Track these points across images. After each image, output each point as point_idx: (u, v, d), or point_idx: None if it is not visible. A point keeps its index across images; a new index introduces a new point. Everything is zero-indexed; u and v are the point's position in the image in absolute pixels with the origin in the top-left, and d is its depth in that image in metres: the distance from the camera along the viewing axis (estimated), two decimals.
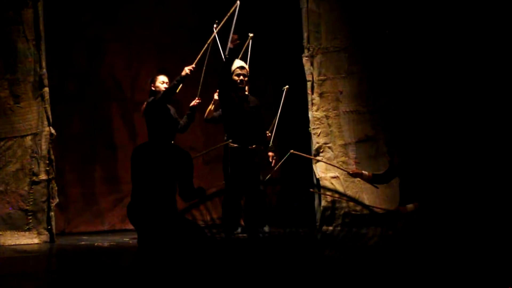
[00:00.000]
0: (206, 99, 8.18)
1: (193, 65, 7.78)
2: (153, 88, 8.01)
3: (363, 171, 7.31)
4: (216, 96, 7.82)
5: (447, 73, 8.21)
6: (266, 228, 8.07)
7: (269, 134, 7.96)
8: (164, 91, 7.76)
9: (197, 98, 7.99)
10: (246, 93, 7.76)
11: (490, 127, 8.02)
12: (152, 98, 7.81)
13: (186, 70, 7.73)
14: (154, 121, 5.45)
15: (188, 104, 8.07)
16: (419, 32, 8.31)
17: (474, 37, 8.10)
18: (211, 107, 7.98)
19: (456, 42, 8.17)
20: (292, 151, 7.73)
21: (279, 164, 8.03)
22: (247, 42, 8.02)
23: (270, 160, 7.87)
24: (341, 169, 8.07)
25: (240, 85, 7.52)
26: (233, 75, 7.57)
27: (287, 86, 8.12)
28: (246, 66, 7.60)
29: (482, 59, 8.07)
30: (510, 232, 7.13)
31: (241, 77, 7.52)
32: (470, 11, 8.10)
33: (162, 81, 7.97)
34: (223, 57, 7.72)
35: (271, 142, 7.88)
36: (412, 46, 8.33)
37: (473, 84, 8.10)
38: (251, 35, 8.01)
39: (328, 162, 8.35)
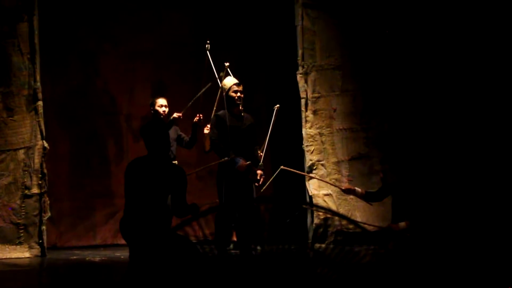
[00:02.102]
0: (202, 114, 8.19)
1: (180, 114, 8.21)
2: (152, 111, 8.19)
3: (356, 188, 7.32)
4: (206, 131, 7.87)
5: (440, 93, 8.25)
6: (259, 248, 8.04)
7: (261, 153, 7.96)
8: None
9: (197, 115, 8.06)
10: (241, 108, 7.81)
11: (483, 147, 8.05)
12: (151, 120, 7.89)
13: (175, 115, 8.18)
14: (150, 139, 5.45)
15: (187, 120, 8.14)
16: (413, 51, 8.35)
17: (465, 56, 8.15)
18: (204, 140, 7.99)
19: (449, 61, 8.21)
20: (282, 166, 7.74)
21: (270, 180, 8.03)
22: (224, 71, 8.01)
23: (258, 177, 7.84)
24: (334, 185, 8.08)
25: (238, 102, 7.65)
26: (230, 91, 7.67)
27: (277, 106, 8.09)
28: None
29: (474, 78, 8.11)
30: (503, 244, 7.15)
31: (238, 94, 7.65)
32: (460, 29, 8.15)
33: (160, 105, 8.15)
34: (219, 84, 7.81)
35: (261, 161, 7.87)
36: (405, 65, 8.37)
37: (465, 103, 8.13)
38: (227, 64, 8.02)
39: (319, 178, 8.35)
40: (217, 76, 8.01)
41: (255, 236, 7.91)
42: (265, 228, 7.96)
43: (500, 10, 8.02)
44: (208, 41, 8.09)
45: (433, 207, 7.11)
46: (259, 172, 7.82)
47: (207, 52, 8.04)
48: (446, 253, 6.62)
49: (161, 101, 8.17)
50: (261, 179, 7.83)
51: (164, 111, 8.12)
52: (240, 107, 7.78)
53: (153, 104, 8.18)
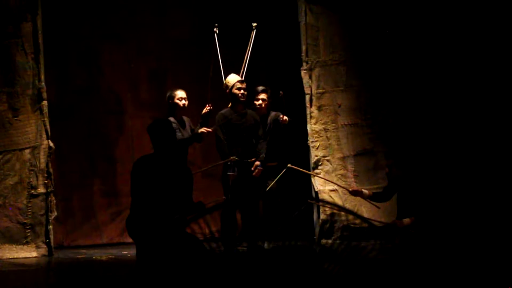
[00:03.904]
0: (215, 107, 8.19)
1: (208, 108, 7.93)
2: (170, 104, 7.99)
3: (363, 189, 7.31)
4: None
5: (444, 87, 8.23)
6: (266, 245, 8.03)
7: (286, 118, 7.95)
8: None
9: (207, 105, 8.00)
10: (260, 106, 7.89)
11: (488, 140, 8.04)
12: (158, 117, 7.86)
13: (203, 130, 7.81)
14: (157, 137, 5.46)
15: (199, 112, 8.13)
16: (417, 45, 8.34)
17: (470, 50, 8.13)
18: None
19: (453, 54, 8.20)
20: (289, 165, 7.75)
21: (277, 178, 8.03)
22: (252, 34, 8.12)
23: (253, 168, 7.77)
24: (341, 186, 8.07)
25: (242, 99, 7.68)
26: (234, 88, 7.69)
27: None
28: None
29: (480, 71, 8.10)
30: (506, 241, 7.14)
31: (242, 91, 7.67)
32: (464, 26, 8.14)
33: (180, 97, 7.95)
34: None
35: (263, 153, 7.82)
36: (409, 59, 8.36)
37: (470, 96, 8.12)
38: (254, 24, 8.09)
39: (328, 179, 8.34)
40: (221, 64, 8.04)
41: (261, 232, 7.92)
42: (268, 224, 7.99)
43: (500, 8, 8.02)
44: (216, 25, 8.19)
45: (437, 203, 7.11)
46: (256, 163, 7.75)
47: (215, 35, 8.09)
48: (448, 250, 6.61)
49: (180, 93, 7.97)
50: (256, 171, 7.72)
51: (184, 104, 7.95)
52: (261, 107, 7.87)
53: (172, 97, 7.96)
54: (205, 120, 7.96)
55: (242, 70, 8.00)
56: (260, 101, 8.05)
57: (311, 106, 8.63)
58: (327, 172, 8.49)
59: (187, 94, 8.08)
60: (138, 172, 5.39)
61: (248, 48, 8.05)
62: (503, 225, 7.59)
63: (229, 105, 7.88)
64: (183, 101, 7.96)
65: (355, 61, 8.55)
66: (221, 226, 7.75)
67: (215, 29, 8.20)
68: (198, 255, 5.17)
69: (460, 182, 8.00)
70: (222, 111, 7.81)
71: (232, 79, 7.78)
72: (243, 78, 7.90)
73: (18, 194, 8.31)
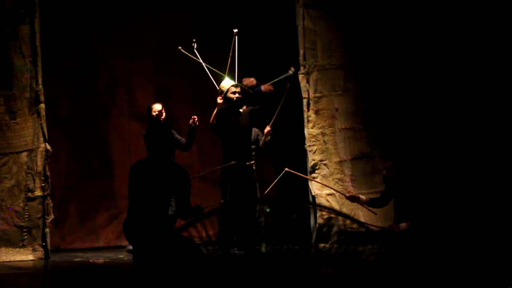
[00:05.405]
0: (202, 115, 8.21)
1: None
2: (149, 117, 8.31)
3: (360, 195, 7.31)
4: (219, 100, 7.89)
5: (443, 92, 8.24)
6: (263, 248, 8.04)
7: (269, 128, 8.03)
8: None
9: (192, 117, 8.09)
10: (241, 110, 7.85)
11: (485, 145, 8.04)
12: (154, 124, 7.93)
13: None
14: (155, 141, 5.46)
15: (185, 122, 8.15)
16: (413, 50, 8.34)
17: (469, 54, 8.14)
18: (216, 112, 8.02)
19: (451, 60, 8.20)
20: (286, 169, 7.75)
21: (274, 182, 8.04)
22: (233, 39, 8.11)
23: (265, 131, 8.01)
24: (339, 192, 8.07)
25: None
26: (229, 93, 7.70)
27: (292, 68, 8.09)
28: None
29: (474, 77, 8.10)
30: (504, 243, 7.15)
31: (237, 95, 7.67)
32: (460, 27, 8.15)
33: (156, 110, 8.26)
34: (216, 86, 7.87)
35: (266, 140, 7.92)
36: (407, 64, 8.36)
37: (469, 100, 8.12)
38: (235, 30, 8.11)
39: (325, 184, 8.33)
40: (209, 73, 8.04)
41: (258, 237, 7.93)
42: (267, 229, 7.99)
43: (500, 9, 8.02)
44: (194, 40, 8.33)
45: (434, 208, 7.11)
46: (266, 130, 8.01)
47: (195, 51, 8.23)
48: (446, 254, 6.62)
49: (157, 106, 8.29)
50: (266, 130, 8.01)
51: (161, 116, 8.21)
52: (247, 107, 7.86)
53: (150, 110, 8.30)
54: (192, 131, 8.12)
55: (226, 73, 8.01)
56: (233, 94, 8.04)
57: (308, 110, 8.63)
58: (324, 176, 8.49)
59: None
60: (135, 176, 5.38)
61: (230, 53, 8.06)
62: (501, 228, 7.59)
63: None
64: (160, 113, 8.22)
65: (353, 65, 8.55)
66: (219, 229, 7.75)
67: (193, 44, 8.28)
68: (195, 258, 5.17)
69: (456, 187, 8.00)
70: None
71: (227, 83, 7.81)
72: (236, 82, 7.92)
73: (15, 197, 8.31)
